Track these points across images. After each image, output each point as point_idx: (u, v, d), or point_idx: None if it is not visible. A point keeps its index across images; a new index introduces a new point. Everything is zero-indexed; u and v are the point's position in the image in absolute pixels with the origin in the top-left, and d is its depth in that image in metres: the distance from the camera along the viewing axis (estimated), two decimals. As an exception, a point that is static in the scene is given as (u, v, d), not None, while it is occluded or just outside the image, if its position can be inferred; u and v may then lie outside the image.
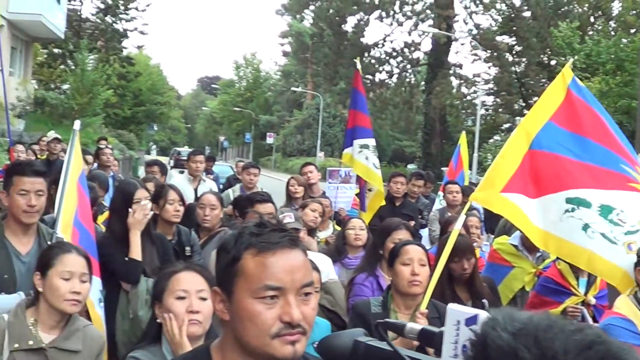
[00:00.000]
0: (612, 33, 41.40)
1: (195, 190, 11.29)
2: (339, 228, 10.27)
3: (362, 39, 59.98)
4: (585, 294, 7.22)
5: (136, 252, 6.32)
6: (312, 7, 65.92)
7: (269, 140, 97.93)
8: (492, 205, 6.49)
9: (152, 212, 6.69)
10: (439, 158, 56.51)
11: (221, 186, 14.37)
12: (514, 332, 1.38)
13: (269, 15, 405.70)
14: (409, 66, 60.25)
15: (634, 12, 41.38)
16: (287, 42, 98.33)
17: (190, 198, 10.32)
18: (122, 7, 63.25)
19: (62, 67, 56.30)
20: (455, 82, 57.31)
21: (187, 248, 7.53)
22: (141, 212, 6.40)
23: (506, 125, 55.84)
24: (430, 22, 55.70)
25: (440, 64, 56.39)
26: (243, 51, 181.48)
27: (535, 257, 8.02)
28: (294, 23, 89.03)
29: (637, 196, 6.18)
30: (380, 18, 58.27)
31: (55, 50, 56.62)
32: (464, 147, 15.78)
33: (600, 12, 49.11)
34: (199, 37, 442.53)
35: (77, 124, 6.75)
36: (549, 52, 49.22)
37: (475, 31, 55.34)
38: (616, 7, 47.32)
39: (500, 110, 55.82)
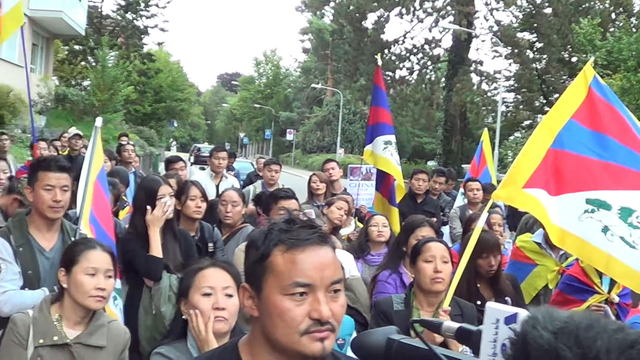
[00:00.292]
0: (634, 30, 41.07)
1: (217, 186, 11.29)
2: (360, 225, 10.26)
3: (382, 36, 59.82)
4: (609, 292, 7.16)
5: (156, 249, 6.31)
6: (332, 4, 65.78)
7: (289, 136, 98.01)
8: (515, 201, 6.47)
9: (172, 209, 6.68)
10: (459, 155, 56.43)
11: (242, 182, 14.36)
12: (555, 331, 1.37)
13: (289, 12, 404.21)
14: (429, 63, 60.03)
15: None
16: (307, 39, 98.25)
17: (212, 194, 10.32)
18: (142, 4, 63.55)
19: (82, 63, 56.61)
20: (475, 78, 57.13)
21: (210, 244, 7.52)
22: (159, 209, 6.40)
23: (527, 122, 55.72)
24: (451, 18, 55.51)
25: (460, 60, 56.18)
26: (263, 48, 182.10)
27: (558, 255, 7.97)
28: (314, 20, 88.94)
29: None
30: (401, 15, 58.08)
31: (76, 47, 56.88)
32: (486, 144, 15.71)
33: (621, 8, 48.75)
34: (219, 33, 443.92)
35: (98, 121, 6.76)
36: (570, 49, 48.97)
37: (496, 28, 55.11)
38: (638, 4, 47.17)
39: (520, 107, 55.59)
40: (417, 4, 57.30)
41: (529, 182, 6.17)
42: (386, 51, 57.77)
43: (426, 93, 58.46)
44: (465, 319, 5.47)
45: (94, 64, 50.59)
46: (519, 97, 55.77)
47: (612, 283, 7.21)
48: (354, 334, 5.79)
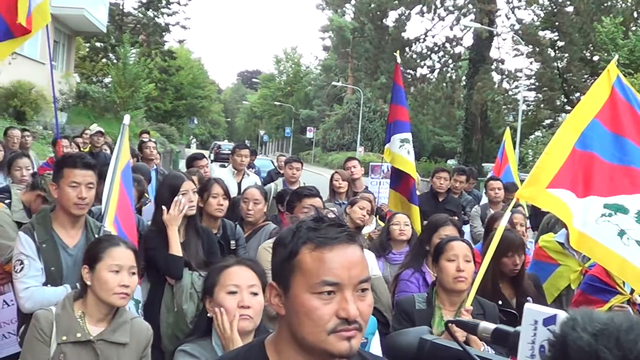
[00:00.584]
0: (657, 29, 40.93)
1: (239, 184, 11.30)
2: (381, 223, 10.24)
3: (403, 34, 59.75)
4: (631, 292, 7.10)
5: (176, 248, 6.30)
6: (353, 2, 65.84)
7: (309, 134, 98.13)
8: (538, 201, 6.45)
9: (194, 205, 6.66)
10: (480, 154, 56.31)
11: (262, 180, 14.36)
12: (595, 333, 1.36)
13: (310, 10, 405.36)
14: (450, 61, 59.91)
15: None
16: (327, 37, 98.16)
17: (233, 192, 10.32)
18: (164, 2, 63.65)
19: (104, 60, 56.79)
20: (496, 77, 56.94)
21: (232, 242, 7.52)
22: (175, 208, 6.39)
23: (548, 121, 55.46)
24: (472, 16, 55.34)
25: (481, 59, 56.02)
26: (283, 45, 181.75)
27: (581, 255, 7.90)
28: (334, 17, 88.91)
29: None
30: (422, 13, 57.99)
31: (97, 44, 57.07)
32: (508, 143, 15.72)
33: (644, 7, 48.57)
34: (239, 31, 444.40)
35: (126, 119, 6.76)
36: (592, 48, 48.72)
37: (517, 26, 54.92)
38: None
39: (541, 106, 55.35)
40: (438, 2, 57.25)
41: (553, 182, 6.14)
42: (407, 49, 57.76)
43: (447, 91, 58.32)
44: (487, 319, 5.44)
45: (115, 61, 50.79)
46: (540, 96, 55.49)
47: (635, 283, 7.16)
48: (377, 333, 5.79)
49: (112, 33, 55.46)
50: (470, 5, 55.82)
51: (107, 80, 51.45)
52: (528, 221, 10.32)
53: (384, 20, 60.46)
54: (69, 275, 5.42)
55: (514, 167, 15.73)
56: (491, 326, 2.51)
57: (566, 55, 52.60)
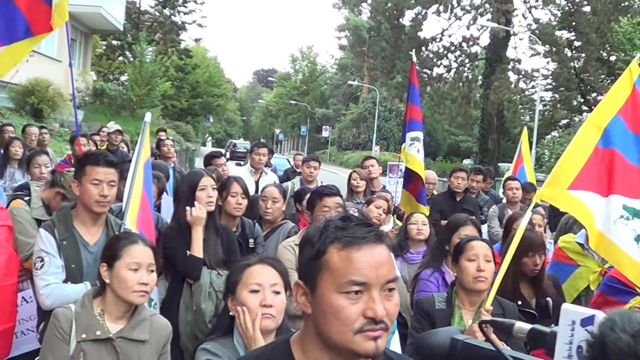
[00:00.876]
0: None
1: (257, 182, 11.29)
2: (399, 223, 10.23)
3: (419, 33, 59.73)
4: (651, 294, 7.09)
5: (197, 248, 6.30)
6: (369, 1, 65.87)
7: (325, 133, 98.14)
8: (558, 202, 6.41)
9: (206, 201, 6.64)
10: (496, 153, 56.20)
11: (278, 179, 14.35)
12: (634, 334, 1.35)
13: (326, 9, 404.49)
14: (467, 61, 59.85)
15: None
16: (343, 36, 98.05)
17: (251, 190, 10.31)
18: (180, 0, 63.72)
19: (120, 58, 56.95)
20: (513, 77, 56.85)
21: (251, 240, 7.51)
22: (197, 210, 6.38)
23: (564, 121, 55.32)
24: (489, 16, 55.32)
25: (498, 58, 55.96)
26: (299, 44, 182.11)
27: (600, 256, 7.88)
28: (351, 16, 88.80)
29: None
30: (438, 12, 57.99)
31: (114, 42, 57.27)
32: (525, 143, 15.73)
33: (662, 7, 48.37)
34: (255, 30, 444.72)
35: (147, 116, 6.77)
36: (609, 48, 48.54)
37: (534, 26, 54.85)
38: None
39: (558, 106, 55.23)
40: (455, 2, 57.30)
41: (574, 183, 6.12)
42: (423, 49, 57.79)
43: (463, 91, 58.27)
44: (506, 319, 5.44)
45: (131, 59, 50.91)
46: (556, 96, 55.40)
47: (654, 285, 7.13)
48: (396, 333, 5.78)
49: (128, 31, 55.64)
50: (487, 5, 55.77)
51: (123, 78, 51.60)
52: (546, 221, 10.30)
53: (400, 20, 60.47)
54: (89, 273, 5.42)
55: (528, 167, 15.74)
56: (527, 326, 2.49)
57: (583, 55, 52.51)
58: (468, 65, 60.42)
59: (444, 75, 60.10)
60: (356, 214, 7.11)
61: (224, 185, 7.46)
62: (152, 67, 44.18)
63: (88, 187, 5.49)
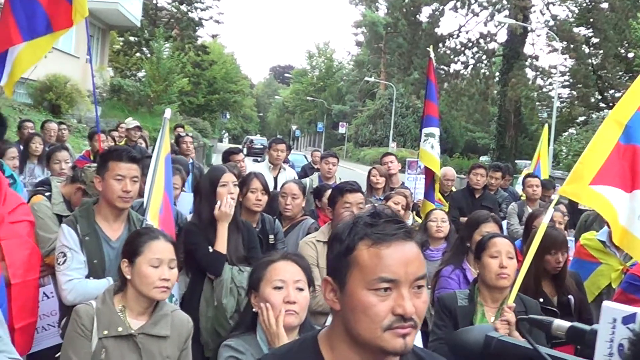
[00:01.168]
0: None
1: (275, 178, 11.28)
2: (418, 219, 10.21)
3: (437, 30, 59.56)
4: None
5: (221, 244, 6.29)
6: (386, -3, 65.81)
7: (341, 129, 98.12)
8: (581, 198, 6.37)
9: (235, 197, 6.64)
10: (513, 150, 56.04)
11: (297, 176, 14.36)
12: (676, 331, 1.33)
13: (343, 5, 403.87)
14: (484, 57, 59.68)
15: None
16: (360, 32, 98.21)
17: (269, 187, 10.31)
18: (197, -4, 63.93)
19: (137, 55, 57.05)
20: (530, 73, 56.67)
21: (271, 236, 7.49)
22: (225, 205, 6.37)
23: (582, 118, 55.11)
24: (506, 12, 55.16)
25: (515, 55, 55.76)
26: (316, 41, 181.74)
27: (622, 254, 7.80)
28: (367, 13, 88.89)
29: None
30: (456, 8, 57.82)
31: (131, 38, 57.38)
32: (544, 140, 15.71)
33: (679, 3, 48.09)
34: (272, 26, 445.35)
35: (167, 112, 6.77)
36: (627, 45, 48.39)
37: (551, 22, 54.61)
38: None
39: (575, 103, 55.02)
40: (472, -2, 57.07)
41: (596, 178, 6.08)
42: (441, 45, 57.60)
43: (481, 87, 58.06)
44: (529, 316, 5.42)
45: (148, 55, 51.01)
46: (574, 92, 55.19)
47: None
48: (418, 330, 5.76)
49: (146, 27, 55.75)
50: (504, 1, 55.56)
51: (140, 74, 51.73)
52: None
53: (417, 16, 60.31)
54: (112, 268, 5.42)
55: (543, 163, 15.71)
56: (566, 324, 2.47)
57: (601, 52, 52.21)
58: (485, 61, 60.21)
59: (461, 72, 59.88)
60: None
61: (244, 181, 7.45)
62: (170, 64, 44.26)
63: (111, 183, 5.50)
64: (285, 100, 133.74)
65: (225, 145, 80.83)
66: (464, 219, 9.92)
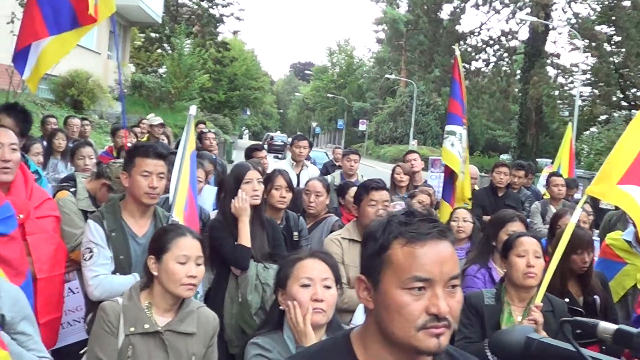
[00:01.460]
0: None
1: (298, 175, 11.27)
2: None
3: (458, 27, 59.52)
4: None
5: (245, 238, 6.27)
6: (407, -6, 65.76)
7: (362, 127, 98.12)
8: (609, 198, 6.35)
9: (252, 195, 6.61)
10: (534, 149, 55.86)
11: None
12: None
13: (363, 2, 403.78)
14: (505, 55, 59.56)
15: None
16: (381, 29, 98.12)
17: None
18: (218, -7, 64.03)
19: (158, 51, 57.19)
20: (552, 71, 56.51)
21: (295, 233, 7.48)
22: (239, 201, 6.36)
23: (603, 117, 54.87)
24: (528, 10, 55.02)
25: (537, 53, 55.68)
26: (336, 38, 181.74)
27: (649, 255, 7.80)
28: (388, 10, 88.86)
29: None
30: (477, 6, 57.79)
31: (152, 35, 57.51)
32: (566, 139, 15.65)
33: (703, 1, 47.82)
34: (292, 23, 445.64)
35: (193, 109, 6.75)
36: (649, 43, 48.14)
37: (573, 20, 54.41)
38: None
39: (597, 101, 54.78)
40: (493, -5, 56.97)
41: (624, 178, 6.06)
42: (462, 42, 57.54)
43: (502, 85, 57.98)
44: (556, 316, 5.42)
45: (170, 51, 51.11)
46: (595, 91, 54.95)
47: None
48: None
49: (167, 24, 55.86)
50: (526, -1, 55.46)
51: (161, 70, 51.82)
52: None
53: (438, 13, 60.38)
54: (138, 264, 5.42)
55: (565, 163, 15.64)
56: (612, 327, 2.44)
57: (623, 50, 51.91)
58: (506, 59, 60.14)
59: (482, 70, 59.84)
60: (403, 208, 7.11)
61: (268, 179, 7.44)
62: (191, 60, 44.30)
63: (137, 179, 5.51)
64: (306, 97, 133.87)
65: (245, 141, 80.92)
66: (486, 218, 9.89)
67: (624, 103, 52.69)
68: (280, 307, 4.19)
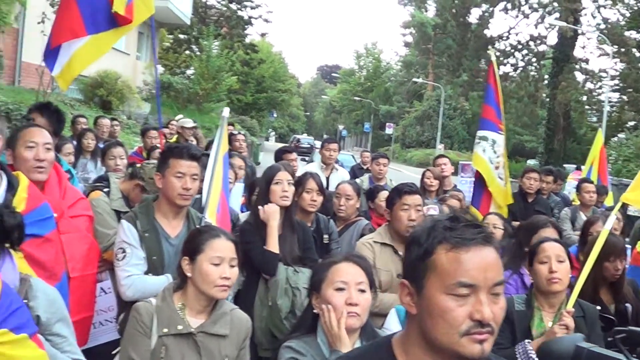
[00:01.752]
0: None
1: (328, 178, 11.26)
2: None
3: (486, 31, 59.38)
4: None
5: (273, 244, 6.25)
6: (436, -2, 65.71)
7: (388, 130, 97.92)
8: None
9: (281, 195, 6.59)
10: (562, 154, 55.58)
11: (345, 177, 14.34)
12: None
13: (391, 5, 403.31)
14: (534, 59, 59.36)
15: None
16: (409, 33, 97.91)
17: (322, 187, 10.31)
18: (247, -5, 64.22)
19: (187, 52, 57.38)
20: (580, 77, 56.25)
21: (325, 236, 7.47)
22: (269, 207, 6.35)
23: (631, 123, 54.52)
24: (557, 15, 54.78)
25: (565, 58, 55.41)
26: (364, 41, 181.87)
27: (680, 262, 7.74)
28: (416, 13, 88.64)
29: None
30: (506, 10, 57.66)
31: (181, 36, 57.73)
32: (595, 145, 15.57)
33: None
34: (320, 25, 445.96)
35: (226, 111, 6.77)
36: (678, 49, 47.83)
37: (602, 25, 54.15)
38: None
39: (625, 107, 54.46)
40: (522, 0, 56.73)
41: None
42: (490, 47, 57.36)
43: (530, 90, 57.75)
44: (587, 322, 5.40)
45: (198, 53, 51.26)
46: (624, 97, 54.64)
47: None
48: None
49: (195, 25, 56.02)
50: (555, 4, 55.28)
51: (189, 72, 52.00)
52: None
53: (466, 17, 60.26)
54: (171, 265, 5.43)
55: (595, 169, 15.56)
56: None
57: (652, 56, 51.67)
58: (535, 64, 59.93)
59: (510, 74, 59.66)
60: (437, 212, 7.10)
61: (299, 181, 7.43)
62: (219, 62, 44.45)
63: (171, 180, 5.52)
64: (332, 100, 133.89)
65: (272, 144, 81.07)
66: (516, 223, 9.84)
67: (652, 109, 52.37)
68: (314, 311, 4.19)
